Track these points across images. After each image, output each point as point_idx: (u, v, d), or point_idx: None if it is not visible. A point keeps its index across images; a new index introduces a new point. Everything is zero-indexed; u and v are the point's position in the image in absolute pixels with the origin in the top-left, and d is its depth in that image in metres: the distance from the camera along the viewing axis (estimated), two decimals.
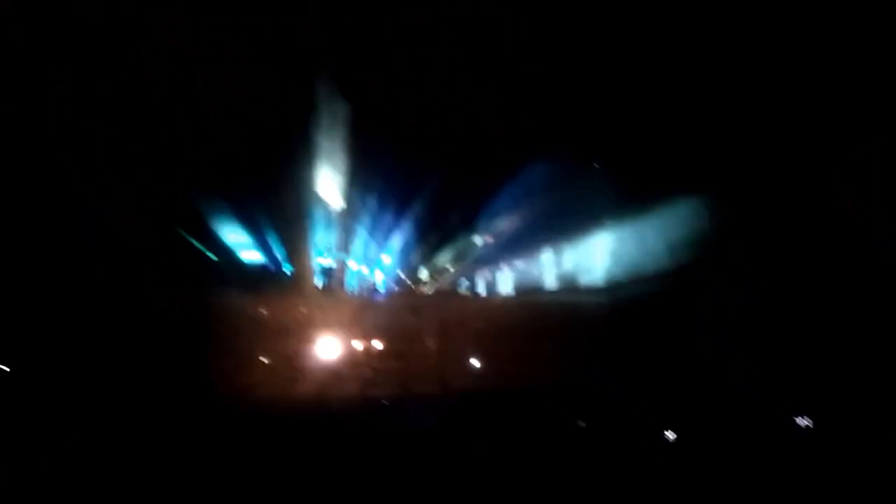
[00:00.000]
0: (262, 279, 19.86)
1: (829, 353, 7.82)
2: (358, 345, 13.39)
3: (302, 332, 14.03)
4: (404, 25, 17.64)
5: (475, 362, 10.98)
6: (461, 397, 7.59)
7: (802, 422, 5.72)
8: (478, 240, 25.63)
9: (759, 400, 6.34)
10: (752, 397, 6.41)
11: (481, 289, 26.31)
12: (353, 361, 11.50)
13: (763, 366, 7.55)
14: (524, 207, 23.77)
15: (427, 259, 26.33)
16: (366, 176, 22.08)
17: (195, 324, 12.65)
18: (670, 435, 5.56)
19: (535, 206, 23.16)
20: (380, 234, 24.61)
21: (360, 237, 24.34)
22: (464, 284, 26.70)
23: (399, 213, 24.06)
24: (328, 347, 13.09)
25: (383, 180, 22.73)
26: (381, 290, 25.93)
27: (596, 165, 19.76)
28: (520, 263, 25.01)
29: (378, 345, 13.15)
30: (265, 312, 15.66)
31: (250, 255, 19.83)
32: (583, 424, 6.10)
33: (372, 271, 26.43)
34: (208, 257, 18.26)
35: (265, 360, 11.47)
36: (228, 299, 16.20)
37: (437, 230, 24.97)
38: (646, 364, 8.34)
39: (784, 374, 7.14)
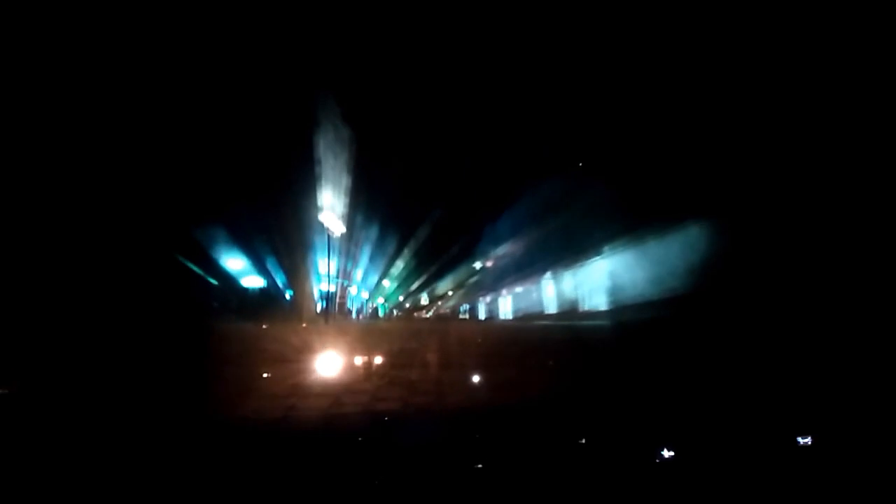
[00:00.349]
0: (263, 304, 19.91)
1: (829, 370, 7.90)
2: (357, 369, 13.34)
3: (302, 355, 14.03)
4: (408, 58, 18.04)
5: (476, 381, 10.96)
6: (461, 419, 7.61)
7: (804, 441, 5.76)
8: (477, 266, 25.88)
9: (759, 418, 6.40)
10: (752, 416, 6.46)
11: (481, 313, 26.43)
12: (353, 385, 11.43)
13: (763, 383, 7.61)
14: (523, 234, 24.01)
15: (428, 284, 26.49)
16: (367, 202, 22.38)
17: (198, 347, 12.65)
18: (667, 453, 5.60)
19: (535, 232, 23.41)
20: (381, 259, 24.82)
21: (362, 263, 24.56)
22: (464, 309, 26.86)
23: (400, 239, 24.31)
24: (329, 370, 13.03)
25: (384, 207, 23.05)
26: (382, 314, 26.03)
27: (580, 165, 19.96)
28: (519, 289, 25.14)
29: (378, 369, 13.12)
30: (266, 336, 15.65)
31: (252, 280, 19.95)
32: (583, 441, 6.13)
33: (373, 296, 26.61)
34: (210, 282, 18.35)
35: (267, 375, 11.44)
36: (230, 323, 16.24)
37: (437, 256, 25.17)
38: (643, 382, 8.39)
39: (785, 392, 7.20)
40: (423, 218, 23.49)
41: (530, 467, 5.46)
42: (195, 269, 17.66)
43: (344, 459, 5.89)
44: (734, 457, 5.49)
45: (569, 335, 17.57)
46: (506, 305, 25.55)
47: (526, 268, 24.28)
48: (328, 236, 21.24)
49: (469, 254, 25.06)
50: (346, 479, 5.35)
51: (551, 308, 23.77)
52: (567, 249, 22.26)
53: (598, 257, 21.17)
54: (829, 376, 7.81)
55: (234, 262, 19.08)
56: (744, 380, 7.99)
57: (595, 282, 21.44)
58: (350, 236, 22.64)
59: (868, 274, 11.42)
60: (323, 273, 21.65)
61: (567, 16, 16.27)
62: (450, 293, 26.16)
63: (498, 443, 6.15)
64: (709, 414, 6.65)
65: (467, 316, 26.09)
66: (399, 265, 24.78)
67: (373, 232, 23.75)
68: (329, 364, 13.58)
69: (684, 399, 7.30)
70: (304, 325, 18.99)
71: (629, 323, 16.96)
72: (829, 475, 5.21)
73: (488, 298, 25.82)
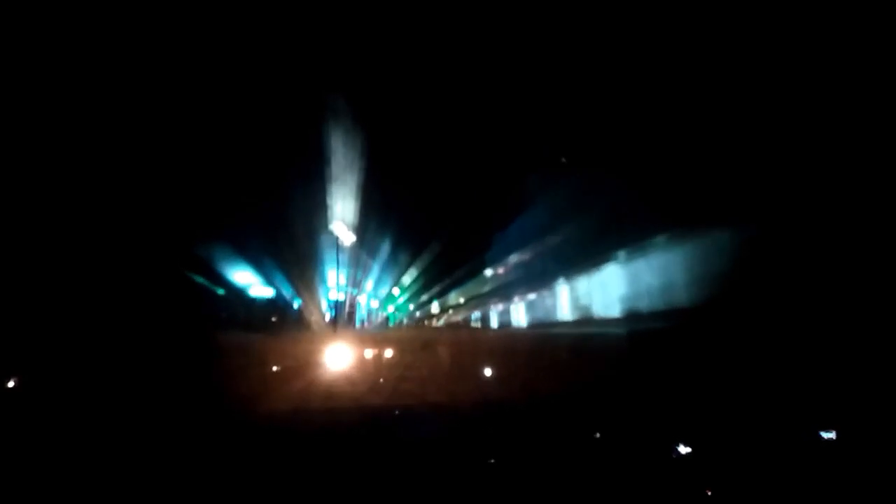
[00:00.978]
0: (271, 313, 19.84)
1: (852, 364, 7.49)
2: (367, 376, 13.11)
3: (312, 365, 13.84)
4: (420, 66, 18.03)
5: (488, 384, 10.67)
6: (475, 419, 7.36)
7: (827, 435, 5.37)
8: (489, 273, 25.58)
9: (779, 413, 6.03)
10: (774, 410, 6.10)
11: (493, 321, 26.15)
12: (365, 394, 11.20)
13: (785, 379, 7.23)
14: (535, 241, 23.73)
15: (438, 293, 26.29)
16: (378, 212, 22.30)
17: (207, 358, 12.54)
18: (683, 449, 5.25)
19: (547, 239, 23.12)
20: (391, 268, 24.70)
21: (372, 272, 24.44)
22: (475, 317, 26.61)
23: (410, 248, 24.16)
24: (338, 379, 12.85)
25: (396, 216, 22.94)
26: (392, 323, 25.87)
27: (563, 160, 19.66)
28: (532, 296, 24.80)
29: (389, 375, 12.87)
30: (276, 345, 15.46)
31: (260, 289, 19.90)
32: (598, 436, 5.84)
33: (383, 305, 26.46)
34: (217, 293, 18.32)
35: (277, 385, 11.23)
36: (238, 333, 16.13)
37: (448, 264, 24.94)
38: (660, 381, 8.04)
39: (806, 386, 6.81)
40: (434, 226, 23.34)
41: (543, 462, 5.18)
42: (202, 280, 17.64)
43: (353, 456, 5.70)
44: (755, 452, 5.15)
45: (583, 342, 17.23)
46: (518, 313, 25.17)
47: (538, 275, 23.95)
48: (338, 246, 21.16)
49: (480, 262, 24.82)
50: (360, 477, 5.16)
51: (565, 315, 23.37)
52: (581, 255, 21.91)
53: (613, 263, 20.81)
54: (853, 370, 7.39)
55: (243, 272, 19.05)
56: (764, 375, 7.61)
57: (611, 289, 21.03)
58: (360, 245, 22.52)
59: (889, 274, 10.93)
60: (332, 282, 21.56)
61: (580, 25, 16.08)
62: (461, 301, 25.89)
63: (511, 440, 5.89)
64: (728, 410, 6.31)
65: (479, 324, 25.77)
66: (409, 274, 24.61)
67: (383, 241, 23.64)
68: (338, 373, 13.36)
69: (702, 397, 6.97)
70: (313, 334, 18.84)
71: (647, 330, 16.57)
72: (855, 469, 4.85)
73: (500, 306, 25.48)
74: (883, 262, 10.99)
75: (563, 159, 19.75)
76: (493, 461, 5.15)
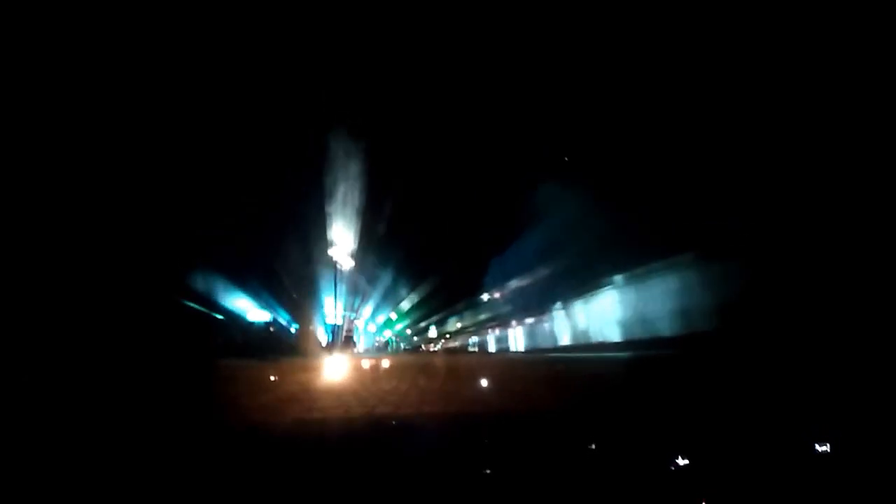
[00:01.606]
0: (268, 338, 19.74)
1: (846, 377, 7.53)
2: (365, 398, 13.07)
3: (309, 390, 13.78)
4: (419, 91, 18.30)
5: (485, 401, 10.65)
6: (472, 437, 7.38)
7: (821, 448, 5.42)
8: (486, 298, 25.62)
9: (776, 426, 6.08)
10: (769, 423, 6.14)
11: (491, 346, 26.11)
12: (356, 423, 11.14)
13: (780, 392, 7.28)
14: (532, 266, 23.83)
15: (436, 318, 26.27)
16: (377, 237, 22.40)
17: (204, 384, 12.47)
18: (681, 461, 5.29)
19: (543, 267, 23.23)
20: (389, 293, 24.72)
21: (370, 297, 24.44)
22: (473, 342, 26.56)
23: (409, 273, 24.20)
24: (335, 402, 12.79)
25: (394, 241, 23.04)
26: (390, 348, 25.74)
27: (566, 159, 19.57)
28: (529, 321, 24.82)
29: (386, 396, 12.84)
30: (269, 373, 15.34)
31: (257, 314, 19.85)
32: (593, 447, 5.87)
33: (380, 330, 26.38)
34: (214, 318, 18.26)
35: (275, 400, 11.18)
36: (234, 359, 16.04)
37: (446, 289, 24.94)
38: (657, 396, 8.08)
39: (803, 400, 6.86)
40: (432, 252, 23.44)
41: (539, 475, 5.20)
42: (198, 306, 17.58)
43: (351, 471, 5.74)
44: (751, 464, 5.19)
45: (580, 366, 17.22)
46: (516, 337, 25.13)
47: (536, 300, 23.99)
48: (336, 271, 21.21)
49: (478, 287, 24.88)
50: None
51: (563, 340, 23.34)
52: (578, 281, 22.00)
53: (611, 288, 20.88)
54: (847, 383, 7.45)
55: (239, 297, 19.03)
56: (760, 389, 7.66)
57: (608, 314, 21.06)
58: (359, 271, 22.57)
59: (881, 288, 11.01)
60: (330, 307, 21.54)
61: (588, 48, 16.25)
62: (458, 325, 25.87)
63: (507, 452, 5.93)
64: (725, 423, 6.36)
65: (476, 349, 25.70)
66: (408, 299, 24.62)
67: (382, 267, 23.70)
68: (334, 398, 13.29)
69: (699, 410, 7.01)
70: (309, 358, 18.72)
71: (645, 354, 16.56)
72: (848, 482, 4.89)
73: (497, 331, 25.45)
74: (874, 284, 11.07)
75: (566, 158, 19.61)
76: (489, 471, 5.18)
